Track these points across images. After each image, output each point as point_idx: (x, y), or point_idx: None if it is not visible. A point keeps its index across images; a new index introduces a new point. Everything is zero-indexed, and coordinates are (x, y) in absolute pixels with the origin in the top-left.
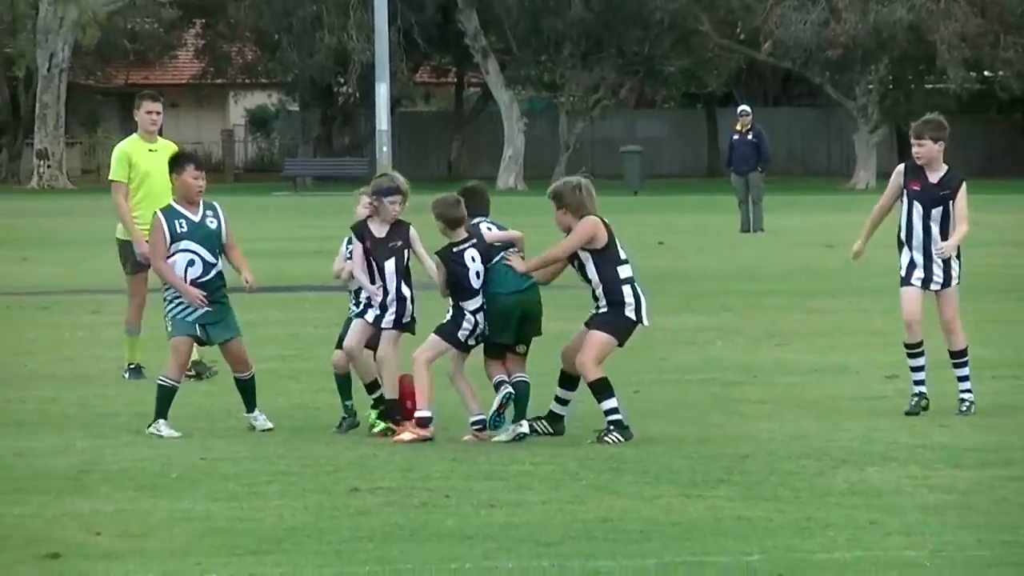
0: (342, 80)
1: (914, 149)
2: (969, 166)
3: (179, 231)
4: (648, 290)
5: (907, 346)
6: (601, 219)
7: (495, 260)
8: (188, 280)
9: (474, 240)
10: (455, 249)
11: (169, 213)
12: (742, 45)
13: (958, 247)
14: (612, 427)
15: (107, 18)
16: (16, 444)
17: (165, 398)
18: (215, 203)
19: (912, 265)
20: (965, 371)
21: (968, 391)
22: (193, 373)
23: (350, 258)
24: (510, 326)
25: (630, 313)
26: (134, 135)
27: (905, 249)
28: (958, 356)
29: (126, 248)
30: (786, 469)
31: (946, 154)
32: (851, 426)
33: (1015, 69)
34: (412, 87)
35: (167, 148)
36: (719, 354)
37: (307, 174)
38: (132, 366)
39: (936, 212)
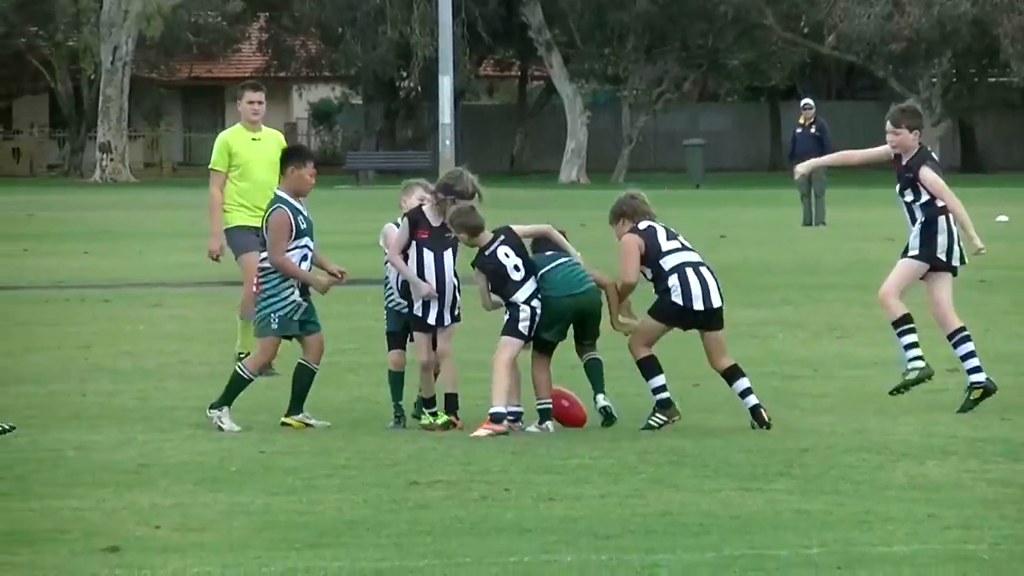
0: (405, 74)
1: (889, 137)
2: None
3: (302, 227)
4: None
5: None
6: (640, 224)
7: (556, 264)
8: None
9: (502, 236)
10: (486, 253)
11: (293, 208)
12: (806, 38)
13: (948, 224)
14: (656, 408)
15: (171, 11)
16: (76, 437)
17: (237, 387)
18: None
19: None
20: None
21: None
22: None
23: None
24: (559, 326)
25: (676, 298)
26: (237, 124)
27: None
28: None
29: (232, 235)
30: (846, 463)
31: (1013, 148)
32: (911, 420)
33: None
34: (475, 80)
35: (272, 136)
36: (780, 347)
37: (369, 167)
38: (242, 354)
39: (907, 193)
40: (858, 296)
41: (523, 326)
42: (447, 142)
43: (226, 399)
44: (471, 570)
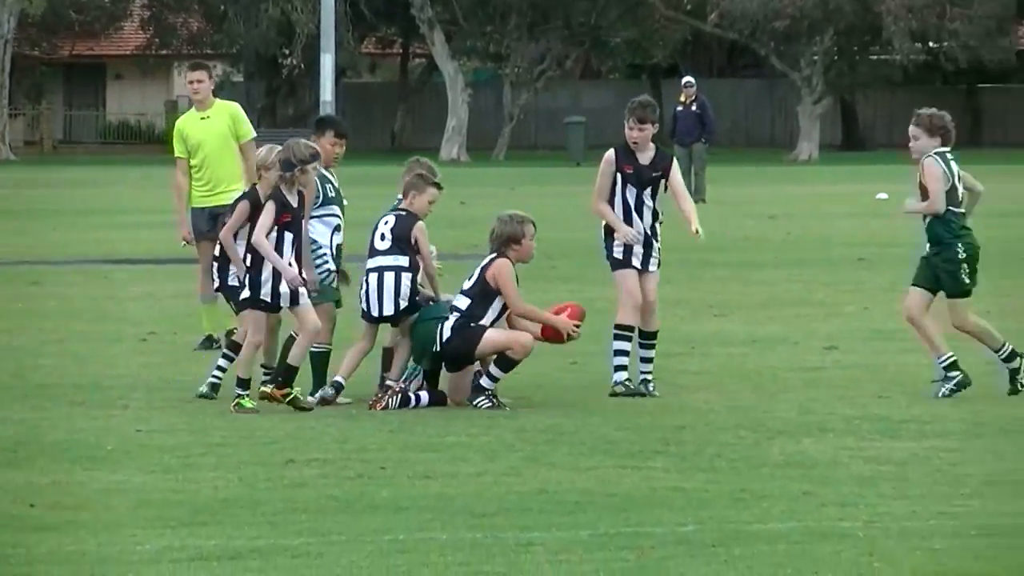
0: (287, 51)
1: (633, 133)
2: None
3: (329, 195)
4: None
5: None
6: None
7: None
8: (335, 245)
9: (403, 212)
10: None
11: (319, 176)
12: (688, 16)
13: (656, 223)
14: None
15: None
16: None
17: (322, 364)
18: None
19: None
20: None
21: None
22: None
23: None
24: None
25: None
26: (191, 109)
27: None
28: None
29: (194, 216)
30: (722, 440)
31: (895, 126)
32: (788, 397)
33: (961, 40)
34: (357, 58)
35: (223, 110)
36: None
37: None
38: (211, 336)
39: (647, 192)
40: (737, 274)
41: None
42: None
43: (318, 383)
44: (346, 548)
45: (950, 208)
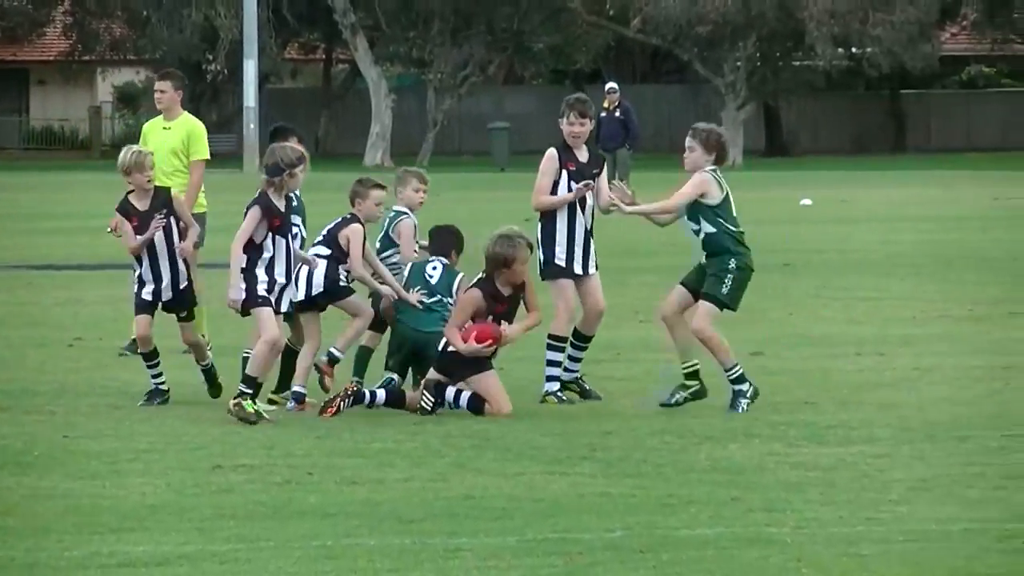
0: (210, 57)
1: (575, 128)
2: (838, 143)
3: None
4: None
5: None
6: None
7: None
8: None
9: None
10: None
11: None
12: (611, 21)
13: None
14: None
15: None
16: None
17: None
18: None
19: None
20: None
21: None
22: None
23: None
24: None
25: None
26: (159, 116)
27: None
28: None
29: None
30: (649, 446)
31: (818, 131)
32: (714, 403)
33: (884, 46)
34: (280, 64)
35: (182, 125)
36: None
37: None
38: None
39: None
40: (665, 280)
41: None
42: (252, 125)
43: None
44: (274, 554)
45: (728, 224)
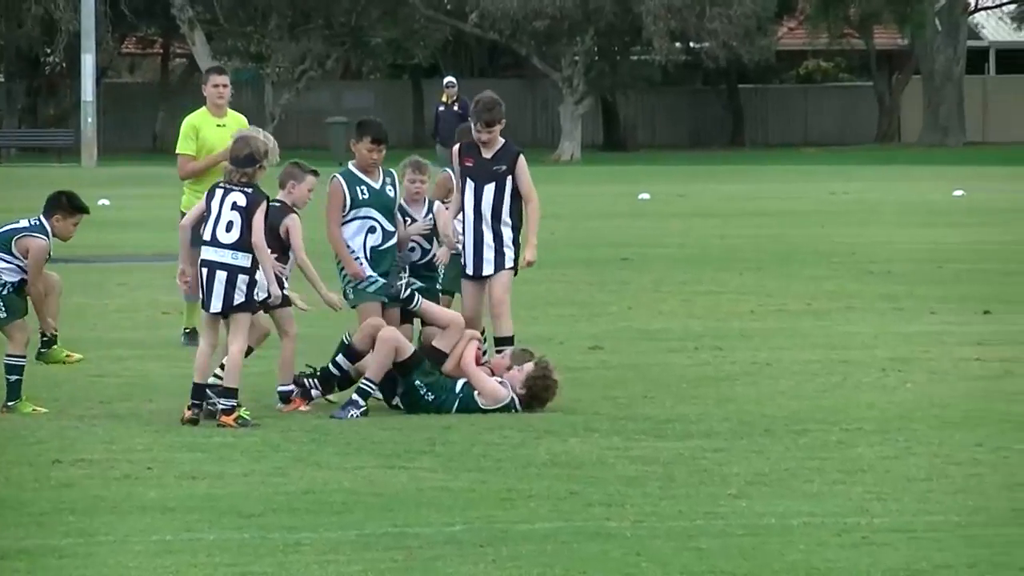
0: (49, 50)
1: (483, 136)
2: (676, 137)
3: (360, 198)
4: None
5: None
6: None
7: None
8: (368, 248)
9: None
10: None
11: (349, 178)
12: (449, 16)
13: (513, 229)
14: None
15: None
16: None
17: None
18: (393, 171)
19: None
20: None
21: None
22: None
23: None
24: None
25: None
26: (202, 108)
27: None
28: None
29: None
30: (488, 440)
31: (656, 126)
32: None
33: (720, 39)
34: (118, 58)
35: (236, 122)
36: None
37: (12, 145)
38: (188, 331)
39: (489, 188)
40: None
41: None
42: (89, 120)
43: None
44: (114, 548)
45: None
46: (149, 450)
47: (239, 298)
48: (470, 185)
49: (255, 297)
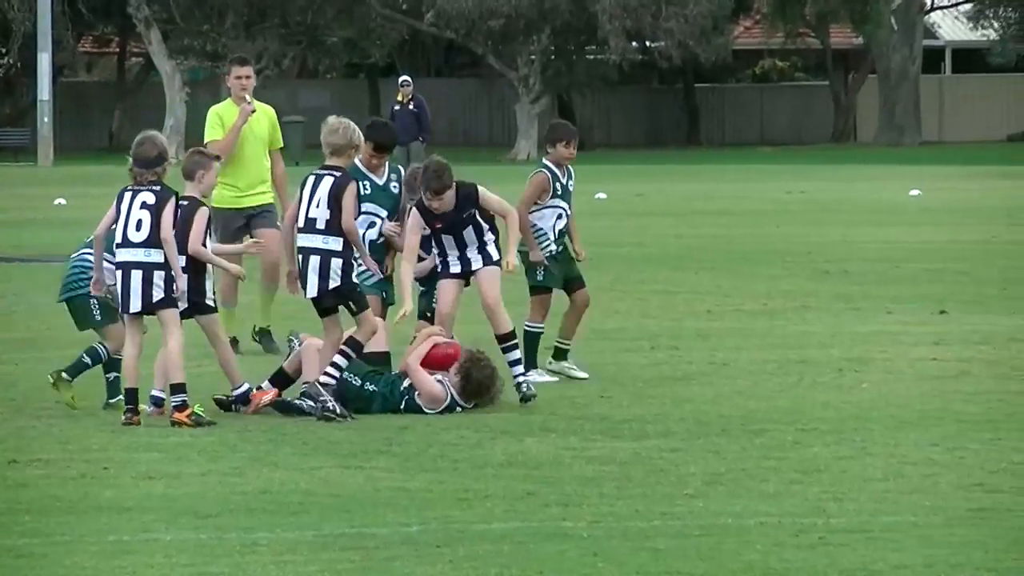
0: (3, 50)
1: (434, 204)
2: (633, 136)
3: (362, 192)
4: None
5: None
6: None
7: None
8: (367, 242)
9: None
10: None
11: (354, 174)
12: (405, 15)
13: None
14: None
15: None
16: None
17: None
18: (400, 168)
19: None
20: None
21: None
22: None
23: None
24: None
25: None
26: (226, 100)
27: None
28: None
29: (219, 217)
30: (445, 440)
31: (612, 125)
32: (510, 397)
33: (676, 39)
34: (75, 57)
35: (263, 113)
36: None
37: None
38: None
39: (466, 233)
40: None
41: None
42: (45, 119)
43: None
44: (70, 549)
45: None
46: (105, 450)
47: (158, 295)
48: (447, 238)
49: (174, 292)
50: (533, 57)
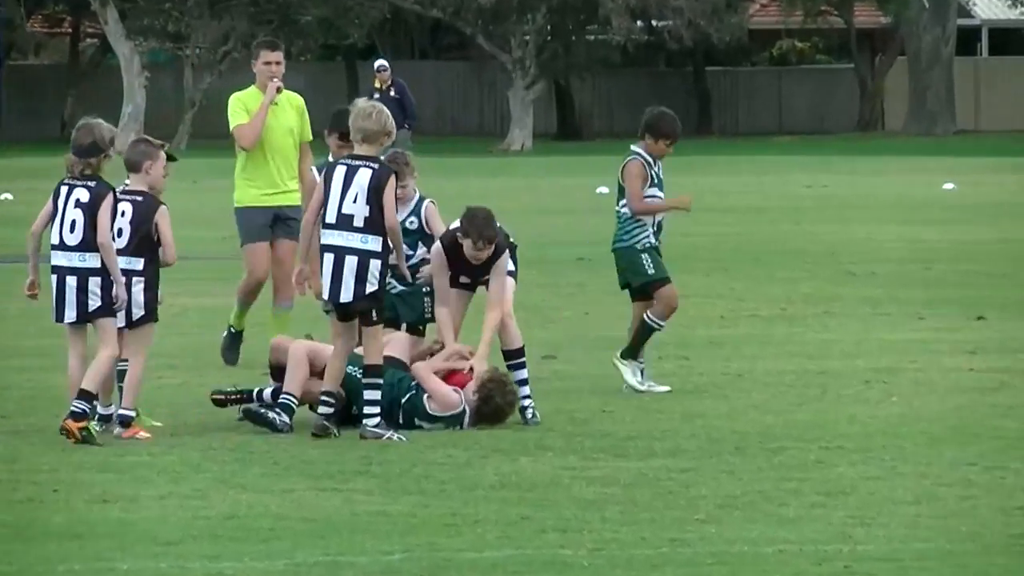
0: None
1: (481, 254)
2: (636, 125)
3: None
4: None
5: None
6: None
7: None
8: None
9: None
10: None
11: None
12: None
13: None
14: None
15: None
16: None
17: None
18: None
19: None
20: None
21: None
22: None
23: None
24: None
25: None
26: (251, 87)
27: None
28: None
29: (243, 216)
30: (430, 459)
31: (614, 112)
32: None
33: (685, 17)
34: (23, 38)
35: (290, 101)
36: None
37: None
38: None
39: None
40: None
41: None
42: None
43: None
44: None
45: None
46: (55, 470)
47: (94, 303)
48: (466, 289)
49: (113, 300)
50: (528, 38)
